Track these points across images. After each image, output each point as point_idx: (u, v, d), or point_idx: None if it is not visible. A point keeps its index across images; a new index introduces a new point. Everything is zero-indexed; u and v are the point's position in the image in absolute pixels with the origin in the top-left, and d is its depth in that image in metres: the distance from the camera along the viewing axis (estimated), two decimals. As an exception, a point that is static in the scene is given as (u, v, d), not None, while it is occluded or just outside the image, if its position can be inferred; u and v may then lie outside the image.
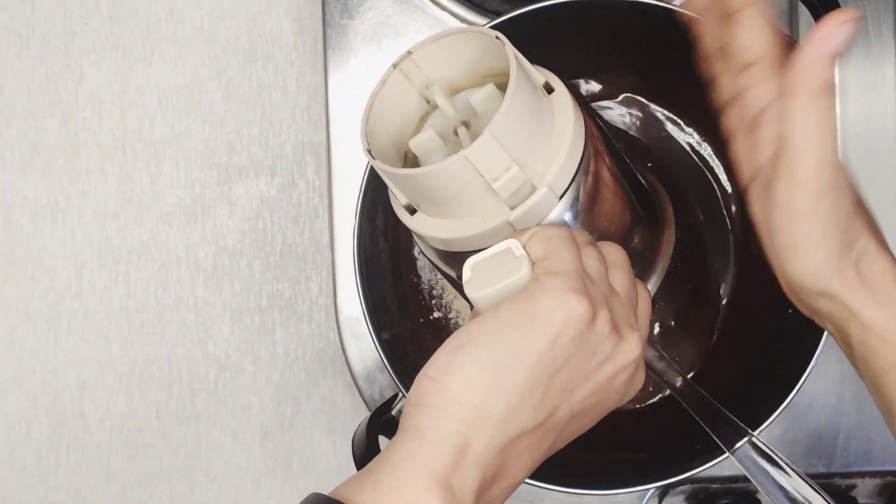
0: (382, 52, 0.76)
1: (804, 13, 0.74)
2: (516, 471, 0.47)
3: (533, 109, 0.49)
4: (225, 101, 0.81)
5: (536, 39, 0.68)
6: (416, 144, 0.52)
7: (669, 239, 0.59)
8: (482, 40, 0.51)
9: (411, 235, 0.74)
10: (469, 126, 0.52)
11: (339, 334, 0.76)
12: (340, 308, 0.75)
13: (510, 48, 0.50)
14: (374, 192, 0.66)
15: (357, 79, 0.76)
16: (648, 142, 0.74)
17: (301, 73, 0.81)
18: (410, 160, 0.54)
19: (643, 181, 0.59)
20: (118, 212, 0.81)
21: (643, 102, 0.74)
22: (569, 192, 0.50)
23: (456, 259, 0.52)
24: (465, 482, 0.45)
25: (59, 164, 0.81)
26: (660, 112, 0.74)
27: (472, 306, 0.51)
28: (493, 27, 0.64)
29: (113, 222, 0.81)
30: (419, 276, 0.74)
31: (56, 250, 0.81)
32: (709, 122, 0.73)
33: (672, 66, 0.71)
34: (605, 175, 0.53)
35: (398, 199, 0.52)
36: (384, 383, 0.75)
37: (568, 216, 0.51)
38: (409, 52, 0.52)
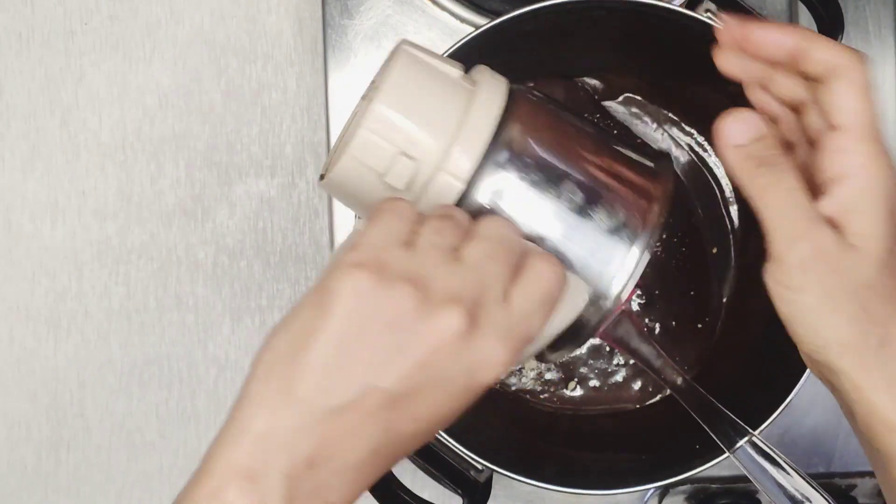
0: (382, 52, 0.76)
1: (804, 13, 0.74)
2: (346, 453, 0.45)
3: (428, 101, 0.49)
4: (225, 101, 0.81)
5: (536, 40, 0.68)
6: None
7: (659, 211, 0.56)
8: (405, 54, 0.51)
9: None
10: None
11: (339, 334, 0.76)
12: (340, 308, 0.75)
13: (402, 46, 0.50)
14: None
15: (357, 79, 0.76)
16: (648, 142, 0.75)
17: (301, 73, 0.81)
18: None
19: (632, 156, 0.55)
20: (118, 212, 0.81)
21: (643, 102, 0.74)
22: (486, 174, 0.49)
23: None
24: (272, 466, 0.44)
25: (59, 164, 0.81)
26: (660, 112, 0.75)
27: None
28: (493, 27, 0.64)
29: (113, 222, 0.81)
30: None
31: (56, 250, 0.81)
32: (709, 123, 0.73)
33: (672, 67, 0.71)
34: (560, 152, 0.51)
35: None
36: (384, 383, 0.75)
37: (503, 195, 0.49)
38: (373, 82, 0.52)
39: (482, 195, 0.49)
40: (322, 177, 0.52)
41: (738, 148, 0.51)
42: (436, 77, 0.50)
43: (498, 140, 0.49)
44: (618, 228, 0.50)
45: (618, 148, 0.54)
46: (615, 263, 0.50)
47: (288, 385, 0.45)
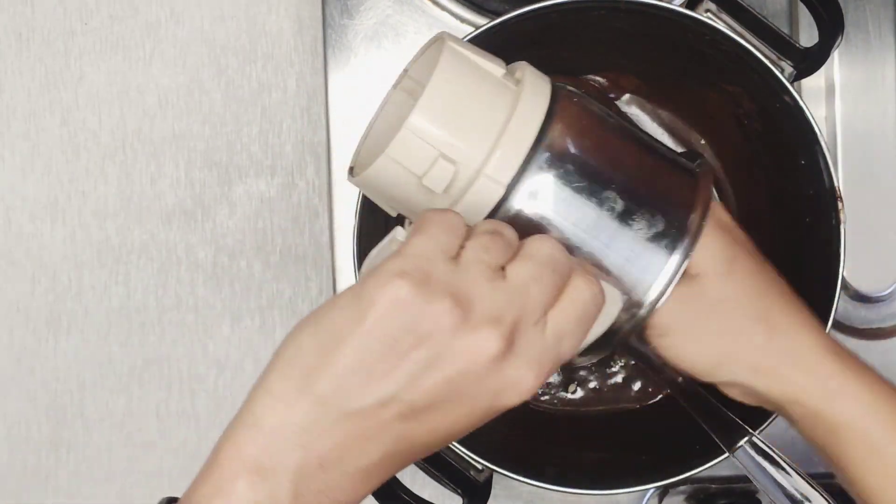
0: (382, 52, 0.76)
1: (804, 13, 0.74)
2: (358, 455, 0.45)
3: (471, 100, 0.48)
4: (225, 101, 0.81)
5: (536, 40, 0.68)
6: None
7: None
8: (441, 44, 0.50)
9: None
10: None
11: (339, 334, 0.75)
12: (340, 308, 0.75)
13: (447, 41, 0.48)
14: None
15: (357, 79, 0.76)
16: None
17: (301, 73, 0.81)
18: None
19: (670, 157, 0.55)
20: (118, 212, 0.81)
21: (643, 102, 0.74)
22: (527, 178, 0.48)
23: None
24: (280, 462, 0.44)
25: (59, 164, 0.81)
26: (660, 112, 0.75)
27: None
28: (493, 27, 0.64)
29: (113, 222, 0.81)
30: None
31: (56, 250, 0.81)
32: (709, 123, 0.73)
33: (672, 67, 0.71)
34: (603, 157, 0.50)
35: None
36: (384, 383, 0.75)
37: (542, 202, 0.48)
38: (406, 70, 0.51)
39: (521, 200, 0.48)
40: (351, 170, 0.50)
41: None
42: (479, 76, 0.49)
43: (540, 145, 0.48)
44: (657, 237, 0.50)
45: (658, 151, 0.53)
46: (653, 272, 0.50)
47: (309, 382, 0.44)
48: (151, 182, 0.81)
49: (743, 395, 0.56)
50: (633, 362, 0.73)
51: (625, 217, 0.49)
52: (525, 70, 0.51)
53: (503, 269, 0.46)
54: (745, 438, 0.57)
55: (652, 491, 0.76)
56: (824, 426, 0.55)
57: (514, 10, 0.64)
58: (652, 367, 0.59)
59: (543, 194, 0.48)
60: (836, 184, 0.64)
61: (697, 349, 0.54)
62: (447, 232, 0.46)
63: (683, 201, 0.51)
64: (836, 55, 0.75)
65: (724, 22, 0.64)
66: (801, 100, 0.63)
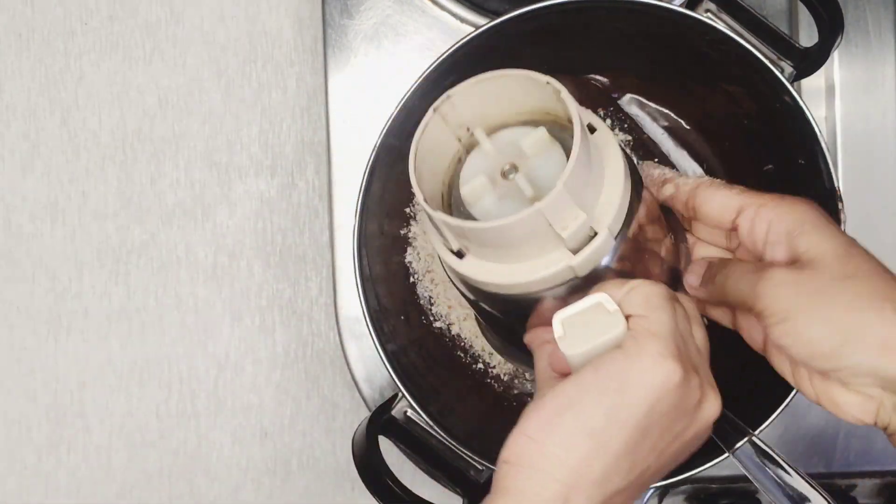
0: (382, 52, 0.76)
1: (804, 13, 0.74)
2: None
3: (588, 154, 0.50)
4: (225, 101, 0.81)
5: (536, 40, 0.68)
6: (469, 191, 0.52)
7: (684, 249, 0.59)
8: (526, 83, 0.51)
9: (410, 236, 0.74)
10: (518, 169, 0.51)
11: (339, 334, 0.76)
12: (340, 308, 0.75)
13: (568, 96, 0.50)
14: (374, 193, 0.66)
15: (357, 79, 0.76)
16: (648, 141, 0.75)
17: (301, 73, 0.81)
18: (446, 200, 0.53)
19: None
20: (118, 212, 0.81)
21: (643, 102, 0.74)
22: (621, 231, 0.51)
23: (507, 301, 0.52)
24: None
25: (59, 164, 0.81)
26: (660, 112, 0.75)
27: (483, 322, 0.51)
28: (493, 27, 0.64)
29: (113, 222, 0.82)
30: (417, 275, 0.74)
31: (56, 250, 0.81)
32: (709, 123, 0.73)
33: (672, 67, 0.71)
34: (647, 208, 0.54)
35: (446, 244, 0.52)
36: (384, 383, 0.75)
37: (618, 254, 0.51)
38: (449, 96, 0.52)
39: (613, 251, 0.51)
40: (428, 203, 0.51)
41: (697, 289, 0.57)
42: (587, 132, 0.51)
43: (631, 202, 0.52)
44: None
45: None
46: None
47: (590, 464, 0.47)
48: (151, 182, 0.81)
49: (866, 386, 0.52)
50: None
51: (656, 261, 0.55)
52: (594, 119, 0.53)
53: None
54: (745, 438, 0.57)
55: (652, 491, 0.76)
56: None
57: (514, 10, 0.64)
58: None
59: (625, 241, 0.52)
60: (836, 184, 0.64)
61: (820, 331, 0.51)
62: (673, 306, 0.50)
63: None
64: (836, 55, 0.75)
65: (724, 22, 0.64)
66: (801, 100, 0.63)
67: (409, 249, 0.73)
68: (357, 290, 0.66)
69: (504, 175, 0.51)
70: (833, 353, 0.51)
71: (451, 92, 0.52)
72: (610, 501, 0.48)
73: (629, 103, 0.74)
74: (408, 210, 0.73)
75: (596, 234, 0.50)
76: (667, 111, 0.74)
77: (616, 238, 0.51)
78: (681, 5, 0.64)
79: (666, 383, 0.47)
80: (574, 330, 0.49)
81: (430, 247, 0.73)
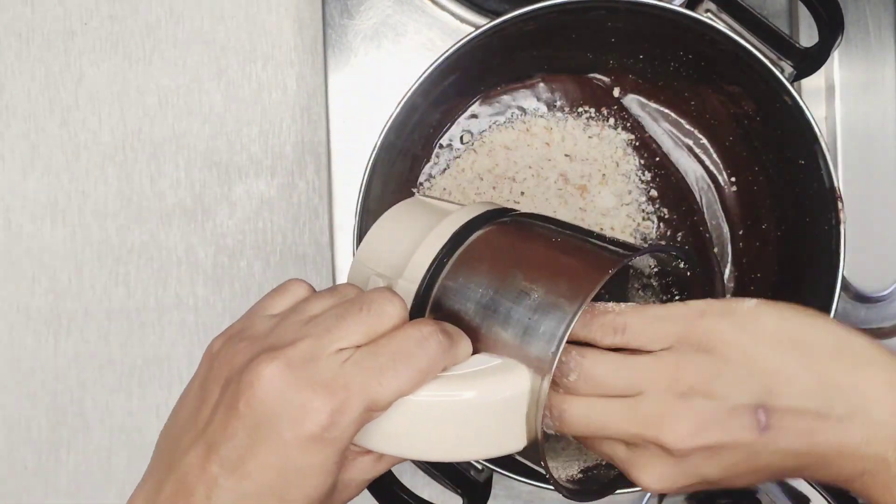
0: (382, 52, 0.76)
1: (804, 13, 0.74)
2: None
3: (410, 227, 0.56)
4: (225, 101, 0.81)
5: (536, 40, 0.68)
6: None
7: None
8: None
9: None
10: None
11: (339, 334, 0.76)
12: (340, 308, 0.75)
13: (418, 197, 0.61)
14: (374, 193, 0.66)
15: (357, 79, 0.76)
16: (650, 140, 0.75)
17: (301, 73, 0.81)
18: None
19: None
20: (118, 212, 0.81)
21: (643, 102, 0.74)
22: (433, 279, 0.54)
23: None
24: None
25: (59, 164, 0.81)
26: (660, 112, 0.75)
27: None
28: (493, 27, 0.64)
29: (113, 222, 0.81)
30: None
31: (56, 250, 0.81)
32: (709, 123, 0.73)
33: (672, 67, 0.71)
34: (480, 276, 0.54)
35: None
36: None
37: (445, 297, 0.53)
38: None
39: (434, 293, 0.53)
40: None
41: None
42: (428, 210, 0.57)
43: (444, 253, 0.54)
44: (548, 312, 0.50)
45: (572, 248, 0.54)
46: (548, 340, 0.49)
47: None
48: (151, 182, 0.81)
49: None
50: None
51: (519, 298, 0.51)
52: (453, 211, 0.57)
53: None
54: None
55: (652, 491, 0.76)
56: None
57: (514, 10, 0.64)
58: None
59: (445, 289, 0.53)
60: (836, 184, 0.64)
61: None
62: (257, 311, 0.55)
63: (576, 281, 0.51)
64: (836, 55, 0.75)
65: (724, 22, 0.64)
66: (801, 100, 0.63)
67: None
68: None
69: None
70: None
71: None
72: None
73: (630, 103, 0.74)
74: (408, 210, 0.73)
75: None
76: (667, 111, 0.74)
77: (419, 285, 0.54)
78: (681, 5, 0.64)
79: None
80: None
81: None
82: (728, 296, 0.75)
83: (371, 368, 0.46)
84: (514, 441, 0.49)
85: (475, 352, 0.50)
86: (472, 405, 0.48)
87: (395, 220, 0.58)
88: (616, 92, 0.74)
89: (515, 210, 0.57)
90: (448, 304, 0.52)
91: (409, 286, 0.53)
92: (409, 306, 0.52)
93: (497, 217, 0.56)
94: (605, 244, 0.54)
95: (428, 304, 0.53)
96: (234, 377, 0.46)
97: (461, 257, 0.53)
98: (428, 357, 0.47)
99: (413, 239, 0.55)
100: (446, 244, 0.54)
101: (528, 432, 0.49)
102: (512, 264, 0.52)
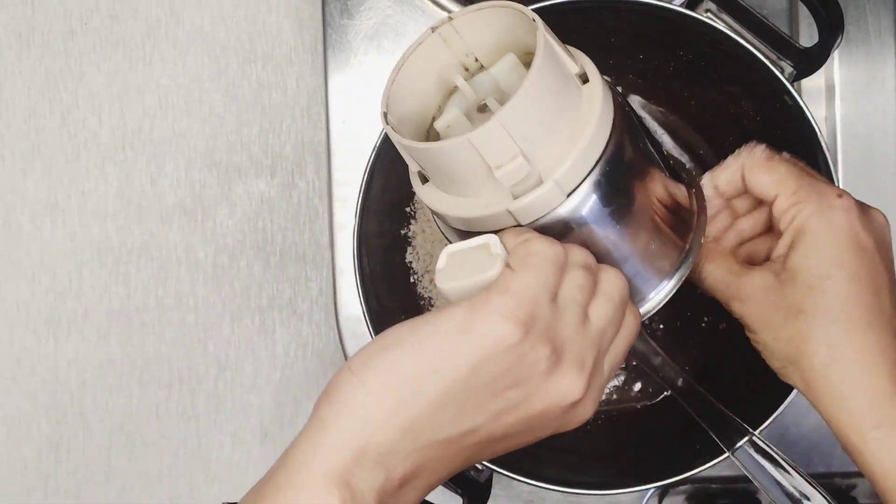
0: (382, 52, 0.76)
1: (804, 13, 0.74)
2: (430, 475, 0.47)
3: (555, 98, 0.47)
4: (225, 101, 0.81)
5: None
6: (442, 125, 0.50)
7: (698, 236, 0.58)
8: (519, 18, 0.49)
9: (410, 235, 0.74)
10: (497, 101, 0.50)
11: (339, 334, 0.76)
12: (340, 308, 0.75)
13: (542, 30, 0.47)
14: (374, 193, 0.66)
15: (357, 79, 0.76)
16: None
17: (301, 73, 0.81)
18: (433, 136, 0.52)
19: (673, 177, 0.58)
20: (118, 212, 0.81)
21: (644, 102, 0.74)
22: (581, 189, 0.48)
23: (461, 236, 0.51)
24: (366, 482, 0.45)
25: (59, 164, 0.81)
26: (660, 112, 0.75)
27: None
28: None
29: (113, 222, 0.81)
30: (417, 275, 0.74)
31: (56, 250, 0.81)
32: (709, 123, 0.73)
33: (672, 67, 0.71)
34: (636, 175, 0.51)
35: (410, 166, 0.52)
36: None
37: (584, 214, 0.49)
38: (450, 18, 0.50)
39: (571, 209, 0.49)
40: (385, 116, 0.49)
41: None
42: (563, 77, 0.49)
43: (600, 163, 0.49)
44: (660, 262, 0.53)
45: (667, 175, 0.55)
46: (649, 291, 0.54)
47: (401, 410, 0.45)
48: (151, 182, 0.81)
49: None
50: (633, 363, 0.73)
51: (638, 243, 0.52)
52: (589, 67, 0.51)
53: (588, 309, 0.49)
54: (745, 438, 0.57)
55: (652, 491, 0.76)
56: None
57: (514, 10, 0.63)
58: (651, 367, 0.59)
59: (588, 209, 0.49)
60: (835, 184, 0.64)
61: (771, 346, 0.56)
62: (554, 270, 0.47)
63: (684, 234, 0.55)
64: (836, 55, 0.75)
65: (724, 22, 0.64)
66: (801, 100, 0.63)
67: (409, 249, 0.73)
68: (357, 290, 0.66)
69: (480, 110, 0.50)
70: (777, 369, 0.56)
71: (452, 14, 0.50)
72: (428, 450, 0.46)
73: (632, 102, 0.74)
74: (408, 209, 0.73)
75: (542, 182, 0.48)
76: (667, 111, 0.74)
77: (570, 194, 0.48)
78: (681, 5, 0.64)
79: (497, 344, 0.45)
80: (454, 265, 0.48)
81: (429, 246, 0.73)
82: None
83: (615, 367, 0.51)
84: None
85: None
86: None
87: (543, 87, 0.47)
88: (618, 90, 0.74)
89: (611, 85, 0.52)
90: (573, 225, 0.49)
91: (556, 192, 0.48)
92: (543, 210, 0.48)
93: (616, 114, 0.50)
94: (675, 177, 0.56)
95: (559, 216, 0.49)
96: (535, 384, 0.47)
97: (603, 183, 0.49)
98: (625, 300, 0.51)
99: (562, 126, 0.48)
100: (598, 160, 0.49)
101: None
102: (634, 211, 0.52)
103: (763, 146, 0.59)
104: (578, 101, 0.49)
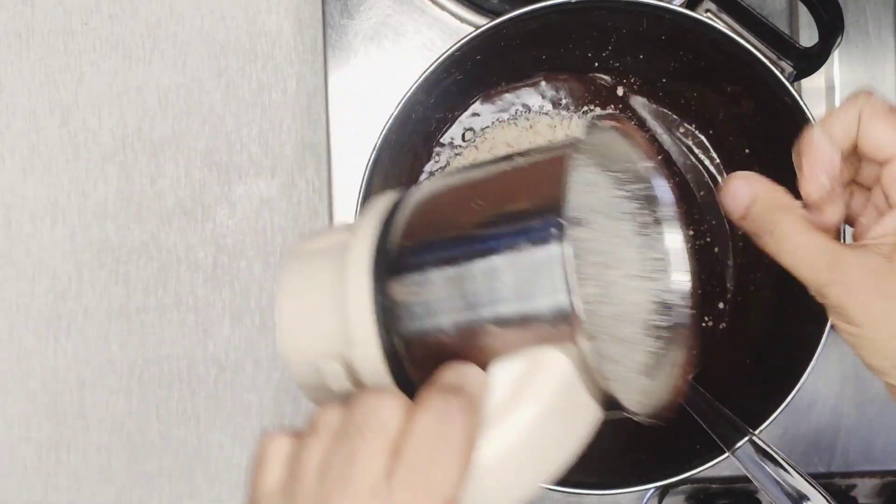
0: (382, 52, 0.76)
1: (804, 13, 0.74)
2: None
3: (314, 296, 0.45)
4: (225, 101, 0.81)
5: (536, 40, 0.68)
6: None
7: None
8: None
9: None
10: None
11: (339, 334, 0.76)
12: (340, 308, 0.75)
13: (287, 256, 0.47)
14: (375, 192, 0.66)
15: (357, 79, 0.76)
16: (653, 140, 0.75)
17: (301, 73, 0.81)
18: None
19: None
20: (118, 212, 0.81)
21: (644, 102, 0.74)
22: (389, 318, 0.43)
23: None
24: None
25: (59, 164, 0.81)
26: (660, 111, 0.75)
27: None
28: (493, 27, 0.64)
29: (113, 222, 0.81)
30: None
31: (56, 250, 0.81)
32: (709, 123, 0.74)
33: (673, 67, 0.71)
34: (427, 242, 0.44)
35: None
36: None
37: (416, 322, 0.42)
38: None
39: (398, 335, 0.43)
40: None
41: (741, 219, 0.50)
42: (309, 266, 0.46)
43: (377, 293, 0.43)
44: (533, 257, 0.40)
45: (507, 173, 0.44)
46: (547, 284, 0.40)
47: None
48: (151, 182, 0.81)
49: None
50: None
51: (490, 253, 0.41)
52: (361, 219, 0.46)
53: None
54: (745, 438, 0.57)
55: (652, 491, 0.76)
56: None
57: (514, 10, 0.64)
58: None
59: (407, 313, 0.42)
60: (836, 184, 0.64)
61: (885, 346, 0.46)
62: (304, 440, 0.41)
63: (536, 212, 0.41)
64: (836, 55, 0.75)
65: (724, 22, 0.64)
66: (801, 100, 0.63)
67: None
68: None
69: None
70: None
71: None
72: None
73: (633, 102, 0.74)
74: (408, 210, 0.73)
75: None
76: (667, 111, 0.74)
77: (383, 342, 0.43)
78: (681, 5, 0.64)
79: None
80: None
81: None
82: (726, 299, 0.75)
83: (418, 482, 0.38)
84: (590, 413, 0.43)
85: (488, 366, 0.42)
86: (532, 424, 0.41)
87: (298, 290, 0.45)
88: (619, 91, 0.74)
89: (398, 193, 0.46)
90: (422, 335, 0.42)
91: (366, 349, 0.42)
92: (382, 370, 0.43)
93: (390, 220, 0.44)
94: (536, 154, 0.44)
95: (402, 351, 0.42)
96: None
97: (396, 280, 0.42)
98: (459, 425, 0.39)
99: (331, 296, 0.44)
100: (373, 279, 0.43)
101: (596, 397, 0.42)
102: (457, 250, 0.42)
103: (880, 97, 0.49)
104: (341, 271, 0.44)
